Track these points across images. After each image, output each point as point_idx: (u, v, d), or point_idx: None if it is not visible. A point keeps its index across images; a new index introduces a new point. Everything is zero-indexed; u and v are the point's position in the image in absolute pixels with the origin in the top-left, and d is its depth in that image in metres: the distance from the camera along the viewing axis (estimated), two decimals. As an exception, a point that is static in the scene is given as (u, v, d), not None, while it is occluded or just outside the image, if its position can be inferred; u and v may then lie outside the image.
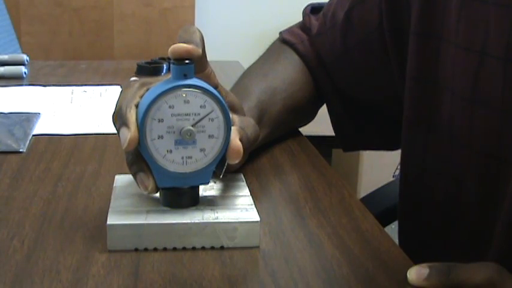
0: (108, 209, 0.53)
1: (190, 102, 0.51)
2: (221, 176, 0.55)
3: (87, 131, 0.82)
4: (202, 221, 0.51)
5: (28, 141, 0.77)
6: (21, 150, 0.74)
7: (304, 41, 0.85)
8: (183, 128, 0.51)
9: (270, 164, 0.71)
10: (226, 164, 0.54)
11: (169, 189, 0.53)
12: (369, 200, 0.98)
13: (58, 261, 0.49)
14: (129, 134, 0.51)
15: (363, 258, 0.51)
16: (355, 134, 0.86)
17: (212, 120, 0.52)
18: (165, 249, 0.51)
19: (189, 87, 0.51)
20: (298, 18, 0.89)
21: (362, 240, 0.55)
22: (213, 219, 0.52)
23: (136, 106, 0.53)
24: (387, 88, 0.78)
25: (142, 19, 2.31)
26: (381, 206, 0.96)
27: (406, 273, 0.48)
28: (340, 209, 0.61)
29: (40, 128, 0.83)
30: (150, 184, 0.52)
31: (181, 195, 0.53)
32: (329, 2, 0.85)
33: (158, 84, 0.53)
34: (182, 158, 0.52)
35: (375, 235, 0.55)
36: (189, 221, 0.51)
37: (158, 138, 0.51)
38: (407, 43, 0.70)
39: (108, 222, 0.51)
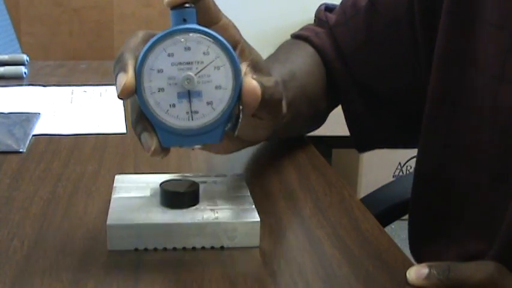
0: (108, 209, 0.53)
1: (191, 49, 0.47)
2: (236, 134, 0.51)
3: (87, 131, 0.82)
4: (202, 221, 0.51)
5: (28, 141, 0.77)
6: (21, 150, 0.74)
7: (319, 33, 0.81)
8: (183, 76, 0.48)
9: (270, 164, 0.71)
10: (240, 118, 0.50)
11: (169, 188, 0.53)
12: (369, 200, 0.98)
13: (58, 261, 0.49)
14: (125, 78, 0.47)
15: (363, 258, 0.51)
16: (372, 131, 0.83)
17: (218, 68, 0.48)
18: (165, 249, 0.51)
19: (189, 32, 0.47)
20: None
21: (362, 240, 0.55)
22: (213, 219, 0.52)
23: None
24: (412, 77, 0.75)
25: (143, 19, 2.31)
26: (380, 206, 0.96)
27: (405, 273, 0.48)
28: (340, 209, 0.61)
29: (40, 128, 0.83)
30: (154, 144, 0.48)
31: (181, 195, 0.53)
32: None
33: (158, 33, 0.49)
34: (187, 113, 0.48)
35: (375, 235, 0.55)
36: (189, 221, 0.51)
37: (159, 92, 0.48)
38: (438, 24, 0.68)
39: (108, 222, 0.51)
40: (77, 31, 2.32)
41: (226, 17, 0.53)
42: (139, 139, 0.50)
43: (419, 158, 0.73)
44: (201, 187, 0.55)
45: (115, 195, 0.55)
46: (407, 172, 2.53)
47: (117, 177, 0.59)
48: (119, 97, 0.48)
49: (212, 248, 0.51)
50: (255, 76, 0.51)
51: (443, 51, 0.67)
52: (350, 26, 0.79)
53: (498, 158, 0.62)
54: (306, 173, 0.69)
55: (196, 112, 0.48)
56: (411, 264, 0.50)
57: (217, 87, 0.48)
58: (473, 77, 0.64)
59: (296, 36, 0.83)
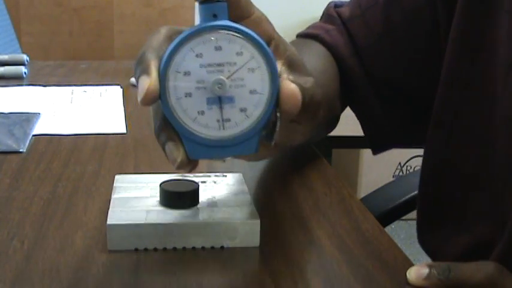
0: (108, 209, 0.53)
1: (223, 49, 0.43)
2: (273, 143, 0.46)
3: (87, 131, 0.82)
4: (202, 221, 0.51)
5: (28, 142, 0.77)
6: (21, 150, 0.74)
7: (329, 30, 0.76)
8: (213, 79, 0.42)
9: (270, 164, 0.71)
10: (277, 126, 0.45)
11: (169, 188, 0.53)
12: (369, 200, 0.98)
13: (58, 261, 0.49)
14: (148, 82, 0.42)
15: (363, 258, 0.51)
16: (387, 130, 0.79)
17: (252, 70, 0.43)
18: (165, 249, 0.51)
19: (220, 29, 0.42)
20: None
21: (362, 240, 0.55)
22: (213, 219, 0.52)
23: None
24: (431, 67, 0.72)
25: (142, 19, 2.31)
26: (381, 206, 0.96)
27: (405, 273, 0.48)
28: (340, 209, 0.61)
29: (40, 128, 0.83)
30: (180, 156, 0.44)
31: (181, 195, 0.53)
32: None
33: (184, 30, 0.43)
34: (218, 121, 0.43)
35: (375, 235, 0.55)
36: (189, 221, 0.51)
37: (186, 97, 0.43)
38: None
39: (108, 222, 0.51)
40: (77, 31, 2.32)
41: (258, 9, 0.48)
42: (164, 150, 0.45)
43: (428, 145, 0.71)
44: (201, 187, 0.55)
45: (115, 195, 0.55)
46: (407, 172, 2.53)
47: (117, 177, 0.59)
48: (141, 103, 0.42)
49: (212, 248, 0.51)
50: (291, 77, 0.47)
51: (458, 35, 0.66)
52: (366, 17, 0.75)
53: (509, 145, 0.61)
54: (306, 172, 0.69)
55: (228, 120, 0.43)
56: (411, 264, 0.50)
57: (252, 92, 0.43)
58: (485, 62, 0.63)
59: (304, 35, 0.80)
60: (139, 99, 0.42)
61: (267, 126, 0.45)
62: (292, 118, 0.46)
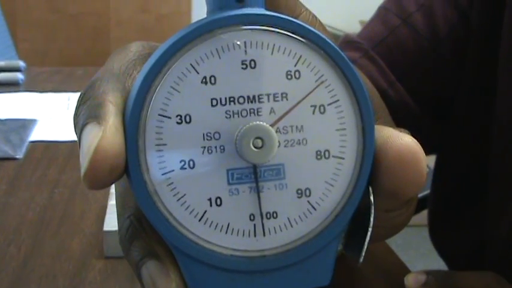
0: (105, 215, 0.53)
1: (258, 66, 0.22)
2: (361, 259, 0.27)
3: (84, 137, 0.82)
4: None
5: (25, 148, 0.77)
6: (17, 156, 0.74)
7: (356, 60, 0.63)
8: (243, 130, 0.22)
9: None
10: (371, 221, 0.25)
11: None
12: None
13: (55, 268, 0.49)
14: (98, 137, 0.22)
15: (361, 264, 0.51)
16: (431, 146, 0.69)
17: (322, 109, 0.22)
18: (162, 255, 0.51)
19: (252, 23, 0.22)
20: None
21: (359, 246, 0.55)
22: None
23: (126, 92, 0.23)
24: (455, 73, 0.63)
25: (139, 25, 2.31)
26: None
27: (403, 279, 0.48)
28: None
29: (37, 134, 0.83)
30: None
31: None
32: (380, 6, 0.67)
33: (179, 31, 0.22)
34: (251, 217, 0.23)
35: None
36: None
37: (182, 169, 0.22)
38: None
39: (105, 228, 0.51)
40: (73, 37, 2.32)
41: (307, 8, 0.28)
42: (138, 274, 0.26)
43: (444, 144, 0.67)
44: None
45: (112, 202, 0.55)
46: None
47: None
48: (86, 182, 0.23)
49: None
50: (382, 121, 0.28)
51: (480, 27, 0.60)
52: (412, 23, 0.64)
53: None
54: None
55: (273, 215, 0.23)
56: (408, 271, 0.50)
57: (322, 155, 0.23)
58: None
59: None
60: (82, 171, 0.22)
61: (352, 228, 0.24)
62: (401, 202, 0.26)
